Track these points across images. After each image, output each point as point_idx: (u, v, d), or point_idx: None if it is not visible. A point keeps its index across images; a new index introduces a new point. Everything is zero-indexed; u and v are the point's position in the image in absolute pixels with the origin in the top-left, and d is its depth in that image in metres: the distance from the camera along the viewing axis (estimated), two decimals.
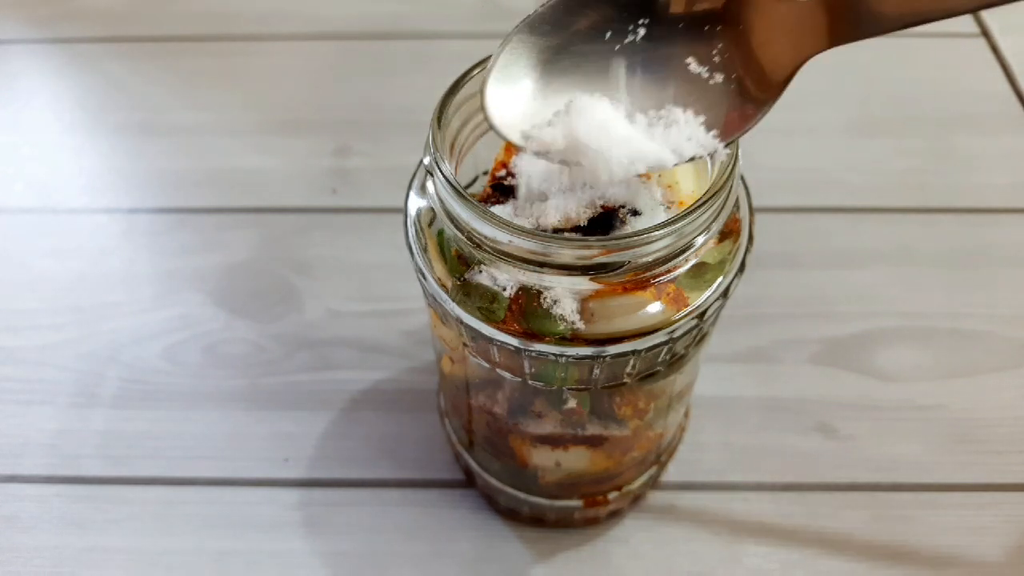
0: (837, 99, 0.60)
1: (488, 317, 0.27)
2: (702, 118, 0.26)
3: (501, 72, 0.26)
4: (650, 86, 0.26)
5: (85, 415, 0.43)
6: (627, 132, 0.25)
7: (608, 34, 0.26)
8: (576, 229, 0.28)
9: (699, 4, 0.26)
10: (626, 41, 0.26)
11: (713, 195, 0.26)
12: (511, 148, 0.32)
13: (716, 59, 0.26)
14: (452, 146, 0.29)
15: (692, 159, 0.26)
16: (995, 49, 0.63)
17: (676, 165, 0.26)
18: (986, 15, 0.65)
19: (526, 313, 0.27)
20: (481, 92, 0.26)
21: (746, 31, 0.25)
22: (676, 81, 0.26)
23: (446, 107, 0.28)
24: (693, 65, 0.26)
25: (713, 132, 0.26)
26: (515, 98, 0.26)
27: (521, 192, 0.29)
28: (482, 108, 0.26)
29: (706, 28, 0.26)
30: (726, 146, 0.26)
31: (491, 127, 0.26)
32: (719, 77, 0.26)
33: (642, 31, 0.26)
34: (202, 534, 0.39)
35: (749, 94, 0.26)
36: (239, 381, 0.45)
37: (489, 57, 0.29)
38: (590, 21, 0.26)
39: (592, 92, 0.26)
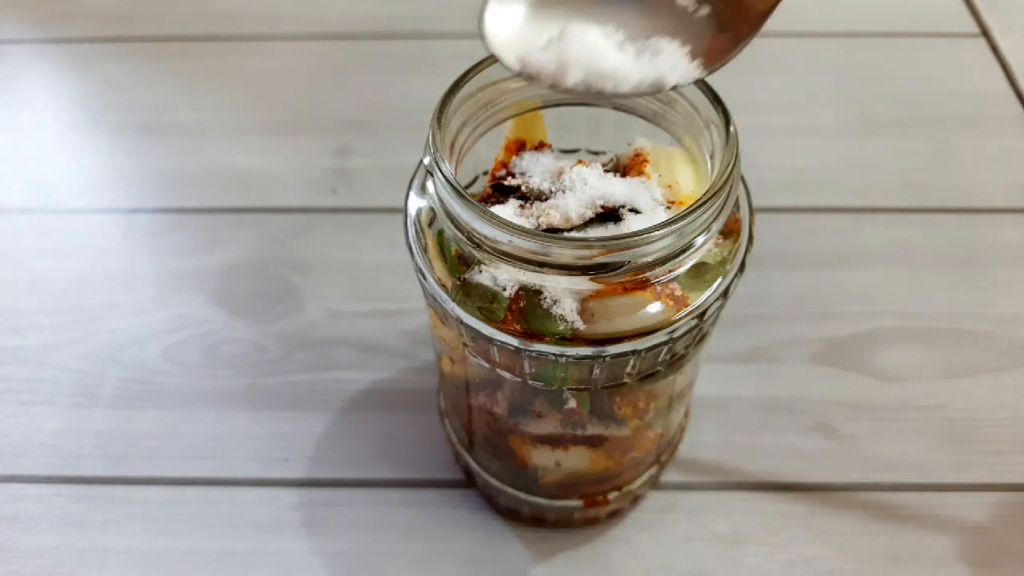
0: (837, 99, 0.60)
1: (488, 317, 0.27)
2: (688, 48, 0.27)
3: None
4: (639, 16, 0.27)
5: (85, 415, 0.43)
6: (616, 58, 0.26)
7: None
8: (576, 228, 0.28)
9: None
10: None
11: (713, 195, 0.26)
12: (511, 148, 0.32)
13: None
14: (452, 146, 0.29)
15: (675, 88, 0.27)
16: (995, 49, 0.63)
17: (658, 91, 0.27)
18: (986, 15, 0.65)
19: (526, 313, 0.27)
20: (481, 13, 0.27)
21: None
22: (664, 12, 0.27)
23: (446, 107, 0.28)
24: None
25: (697, 62, 0.27)
26: (511, 21, 0.27)
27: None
28: (479, 29, 0.27)
29: None
30: (708, 74, 0.27)
31: (487, 48, 0.27)
32: (705, 9, 0.27)
33: None
34: (202, 534, 0.39)
35: (731, 26, 0.27)
36: (239, 381, 0.45)
37: (490, 57, 0.29)
38: None
39: (584, 20, 0.27)
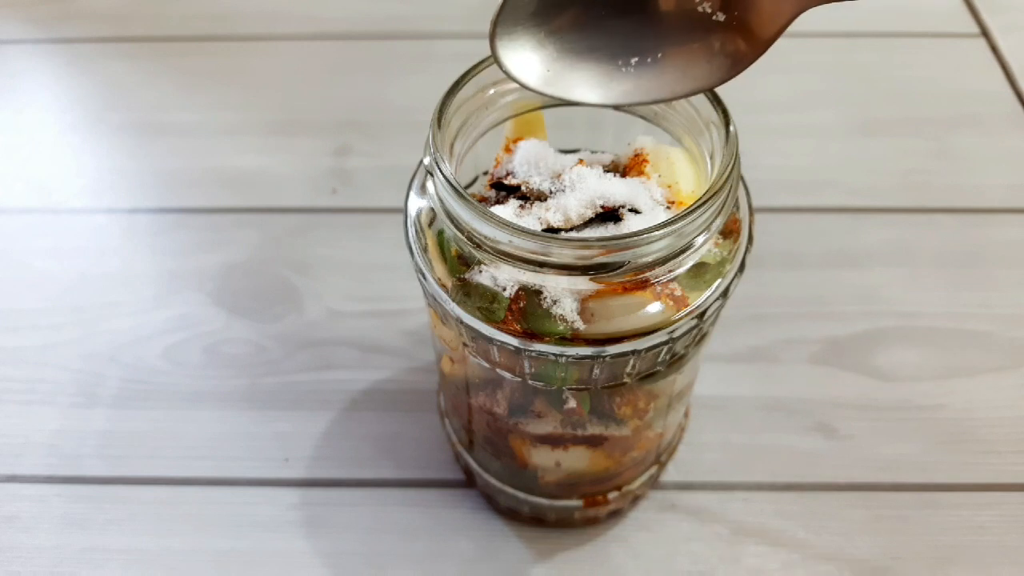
0: (837, 99, 0.60)
1: (488, 317, 0.27)
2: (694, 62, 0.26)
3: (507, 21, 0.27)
4: (647, 26, 0.27)
5: (85, 415, 0.43)
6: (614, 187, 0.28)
7: None
8: (576, 228, 0.28)
9: None
10: None
11: (713, 195, 0.26)
12: (511, 149, 0.32)
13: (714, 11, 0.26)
14: (452, 146, 0.29)
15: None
16: (995, 49, 0.63)
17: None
18: (986, 15, 0.65)
19: (526, 313, 0.27)
20: (492, 43, 0.27)
21: None
22: (673, 26, 0.26)
23: (446, 107, 0.28)
24: (700, 5, 0.26)
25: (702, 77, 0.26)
26: (524, 55, 0.27)
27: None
28: (494, 57, 0.27)
29: None
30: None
31: (507, 76, 0.27)
32: (720, 16, 0.26)
33: None
34: (202, 534, 0.39)
35: (740, 46, 0.26)
36: (239, 381, 0.45)
37: (489, 57, 0.29)
38: None
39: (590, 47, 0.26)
